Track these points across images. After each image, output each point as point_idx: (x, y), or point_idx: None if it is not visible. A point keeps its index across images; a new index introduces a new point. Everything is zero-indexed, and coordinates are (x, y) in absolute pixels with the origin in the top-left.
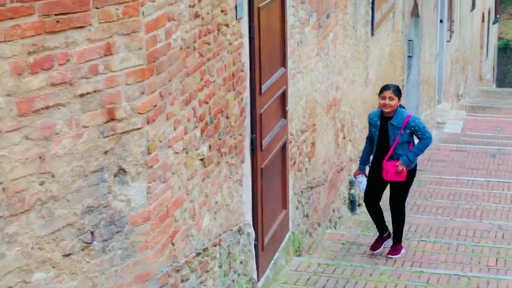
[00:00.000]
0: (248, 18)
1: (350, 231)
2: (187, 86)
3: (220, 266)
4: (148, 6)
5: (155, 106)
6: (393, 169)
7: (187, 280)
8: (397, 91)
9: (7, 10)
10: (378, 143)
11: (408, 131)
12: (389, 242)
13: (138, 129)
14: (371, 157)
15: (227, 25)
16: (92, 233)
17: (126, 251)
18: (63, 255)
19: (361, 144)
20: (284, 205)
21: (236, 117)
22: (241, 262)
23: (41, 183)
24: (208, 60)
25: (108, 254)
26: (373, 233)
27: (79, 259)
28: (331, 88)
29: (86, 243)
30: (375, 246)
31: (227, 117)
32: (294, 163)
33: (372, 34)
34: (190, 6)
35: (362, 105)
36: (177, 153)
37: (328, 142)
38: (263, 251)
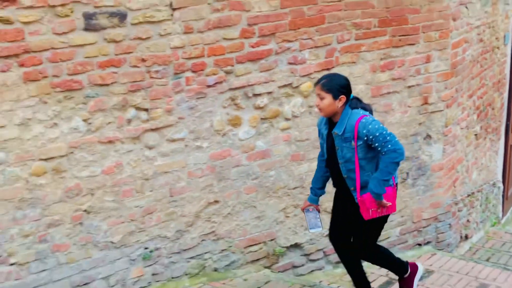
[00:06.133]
0: (511, 44)
1: None
2: (471, 86)
3: (481, 206)
4: (454, 32)
5: (452, 97)
6: (373, 205)
7: (460, 211)
8: (331, 85)
9: (372, 32)
10: (328, 162)
11: (361, 142)
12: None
13: (441, 111)
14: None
15: (498, 48)
16: (407, 173)
17: (426, 187)
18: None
19: None
20: None
21: (497, 109)
22: (492, 205)
23: None
24: (485, 70)
25: (415, 188)
26: None
27: (399, 188)
28: None
29: (404, 179)
30: None
31: (492, 109)
32: None
33: None
34: (477, 34)
35: None
36: (462, 128)
37: None
38: (507, 199)
